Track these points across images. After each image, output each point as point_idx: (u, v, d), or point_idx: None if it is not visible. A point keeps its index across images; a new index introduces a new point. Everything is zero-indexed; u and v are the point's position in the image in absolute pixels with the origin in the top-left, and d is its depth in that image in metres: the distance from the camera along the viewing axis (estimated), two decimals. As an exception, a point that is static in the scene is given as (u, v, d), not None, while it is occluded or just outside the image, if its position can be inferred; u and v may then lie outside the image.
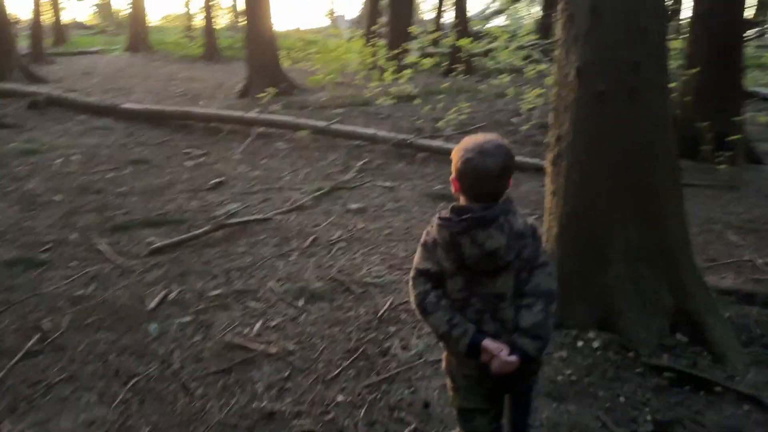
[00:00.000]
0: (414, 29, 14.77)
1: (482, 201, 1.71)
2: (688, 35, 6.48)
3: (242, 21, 32.13)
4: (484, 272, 1.72)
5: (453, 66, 13.18)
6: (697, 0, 6.28)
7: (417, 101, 8.79)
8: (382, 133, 6.70)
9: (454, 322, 1.73)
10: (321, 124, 6.98)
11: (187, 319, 3.24)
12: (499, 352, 1.68)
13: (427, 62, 10.61)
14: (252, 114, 7.67)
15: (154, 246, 4.11)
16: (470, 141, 1.74)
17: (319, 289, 3.54)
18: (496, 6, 28.91)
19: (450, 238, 1.70)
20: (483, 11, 29.61)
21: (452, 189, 1.78)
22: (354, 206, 4.94)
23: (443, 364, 1.93)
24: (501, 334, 1.72)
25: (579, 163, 2.84)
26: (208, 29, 17.80)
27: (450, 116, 7.39)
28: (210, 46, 17.68)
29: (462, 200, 1.76)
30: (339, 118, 7.66)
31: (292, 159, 6.44)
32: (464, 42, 10.75)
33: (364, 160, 6.22)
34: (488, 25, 24.89)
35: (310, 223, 4.59)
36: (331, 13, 36.46)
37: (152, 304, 3.36)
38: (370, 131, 6.76)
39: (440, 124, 7.43)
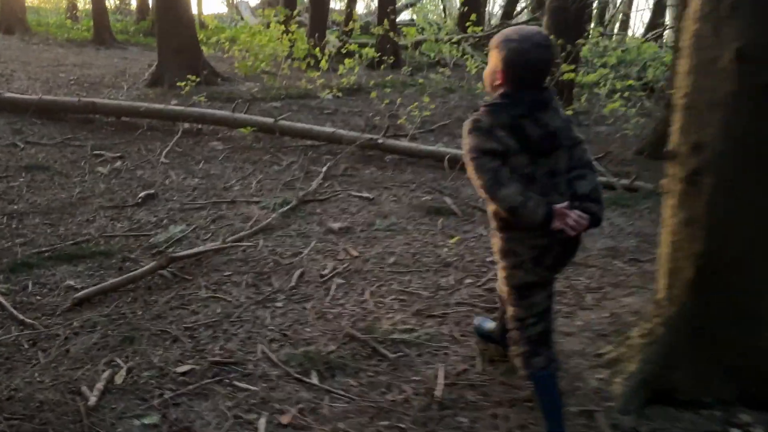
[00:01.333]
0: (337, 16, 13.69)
1: (530, 89, 1.85)
2: None
3: (127, 3, 29.37)
4: (541, 151, 1.87)
5: (382, 57, 12.34)
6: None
7: (373, 94, 7.80)
8: (345, 132, 5.69)
9: (528, 194, 1.80)
10: (267, 120, 5.84)
11: (153, 420, 2.13)
12: (572, 212, 1.81)
13: (369, 52, 9.63)
14: (177, 106, 6.36)
15: (78, 295, 2.91)
16: (515, 32, 1.86)
17: (334, 354, 2.54)
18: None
19: (511, 121, 1.83)
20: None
21: (494, 81, 1.89)
22: (336, 225, 3.93)
23: (499, 244, 1.99)
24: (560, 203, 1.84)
25: (733, 183, 2.06)
26: (99, 9, 15.68)
27: (413, 113, 6.50)
28: (101, 28, 15.55)
29: (501, 89, 1.87)
30: (287, 114, 6.54)
31: (236, 163, 5.29)
32: (411, 31, 9.84)
33: (326, 165, 5.19)
34: (400, 18, 24.38)
35: (288, 251, 3.54)
36: (231, -1, 34.26)
37: (92, 397, 2.21)
38: (329, 129, 5.73)
39: (402, 121, 6.53)
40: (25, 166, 4.80)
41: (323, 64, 8.57)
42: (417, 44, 14.25)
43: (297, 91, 8.16)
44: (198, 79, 7.66)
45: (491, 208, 1.96)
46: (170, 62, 8.13)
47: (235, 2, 33.39)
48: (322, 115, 7.17)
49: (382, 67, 11.71)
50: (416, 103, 6.72)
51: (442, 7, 25.86)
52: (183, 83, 7.29)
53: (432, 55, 13.44)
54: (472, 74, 9.87)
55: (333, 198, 4.51)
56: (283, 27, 12.01)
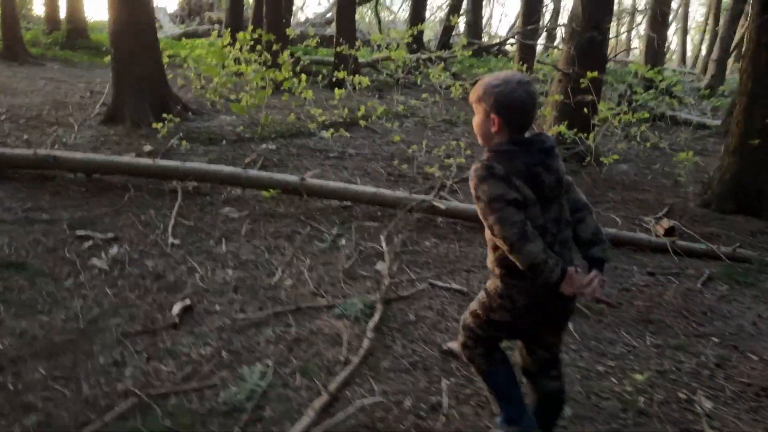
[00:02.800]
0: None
1: (524, 131, 1.92)
2: None
3: (29, 8, 26.57)
4: (551, 198, 1.91)
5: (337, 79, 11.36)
6: None
7: (396, 138, 6.73)
8: (390, 192, 4.72)
9: (549, 252, 1.83)
10: (291, 179, 4.76)
11: None
12: (586, 282, 1.88)
13: (364, 81, 8.59)
14: (170, 161, 5.10)
15: None
16: (495, 78, 1.91)
17: None
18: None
19: (527, 169, 1.86)
20: (323, 15, 27.99)
21: (489, 129, 1.92)
22: (453, 345, 2.98)
23: (498, 287, 2.01)
24: (565, 255, 1.93)
25: None
26: (9, 18, 13.60)
27: (446, 159, 5.63)
28: (12, 41, 13.52)
29: (499, 136, 1.91)
30: (317, 171, 5.47)
31: (267, 239, 4.19)
32: (399, 54, 8.90)
33: (381, 237, 4.22)
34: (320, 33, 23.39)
35: (420, 400, 2.57)
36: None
37: None
38: (369, 189, 4.74)
39: (432, 170, 5.63)
40: (-10, 265, 3.48)
41: (308, 94, 7.53)
42: (373, 63, 13.41)
43: (287, 127, 7.06)
44: (174, 118, 6.39)
45: (496, 255, 1.99)
46: (130, 94, 6.77)
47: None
48: (329, 161, 6.14)
49: (343, 89, 10.78)
50: (444, 147, 5.87)
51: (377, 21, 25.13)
52: (158, 124, 6.02)
53: (391, 73, 12.63)
54: (458, 98, 9.16)
55: (417, 294, 3.55)
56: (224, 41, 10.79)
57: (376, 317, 3.16)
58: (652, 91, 10.82)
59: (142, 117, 6.67)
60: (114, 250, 3.84)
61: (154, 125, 6.10)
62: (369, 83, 9.03)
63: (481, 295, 2.13)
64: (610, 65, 12.46)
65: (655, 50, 15.37)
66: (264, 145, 6.44)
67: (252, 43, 10.35)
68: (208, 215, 4.54)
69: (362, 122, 7.11)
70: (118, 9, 6.60)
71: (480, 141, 2.00)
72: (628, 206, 5.48)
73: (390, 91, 11.01)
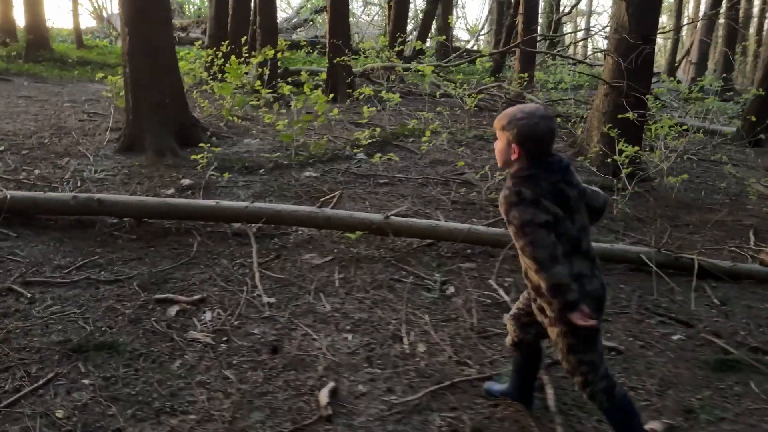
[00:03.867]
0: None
1: (544, 157, 2.08)
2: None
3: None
4: (575, 209, 2.10)
5: (336, 89, 10.87)
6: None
7: (461, 163, 6.20)
8: (483, 227, 4.31)
9: (573, 279, 2.01)
10: (373, 217, 4.28)
11: None
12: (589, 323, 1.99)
13: (395, 98, 8.09)
14: (238, 202, 4.53)
15: None
16: (519, 110, 2.09)
17: None
18: (306, 16, 26.77)
19: (551, 188, 2.04)
20: (290, 20, 27.29)
21: (509, 156, 2.10)
22: (658, 426, 2.60)
23: (553, 311, 2.12)
24: (592, 257, 2.15)
25: None
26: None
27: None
28: (-26, 55, 12.48)
29: (518, 163, 2.09)
30: (403, 208, 4.99)
31: (368, 292, 3.70)
32: (428, 70, 8.42)
33: (491, 283, 3.81)
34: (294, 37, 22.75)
35: None
36: (98, 11, 30.19)
37: None
38: (462, 226, 4.30)
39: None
40: (76, 349, 2.89)
41: (334, 112, 7.02)
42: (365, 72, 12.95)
43: (320, 150, 6.55)
44: (214, 149, 5.80)
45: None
46: (150, 119, 6.12)
47: (106, 15, 29.76)
48: (382, 188, 5.69)
49: (341, 101, 10.32)
50: (487, 167, 5.54)
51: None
52: (197, 155, 5.43)
53: (392, 84, 12.21)
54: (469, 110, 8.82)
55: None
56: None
57: (550, 393, 2.75)
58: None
59: (164, 145, 6.05)
60: (207, 316, 3.30)
61: (193, 156, 5.51)
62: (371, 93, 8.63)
63: (556, 331, 2.17)
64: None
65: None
66: (306, 173, 5.92)
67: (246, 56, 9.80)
68: (289, 263, 4.02)
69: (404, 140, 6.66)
70: (135, 26, 5.95)
71: (499, 163, 2.21)
72: (710, 230, 5.23)
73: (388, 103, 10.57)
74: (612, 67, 6.69)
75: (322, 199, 4.84)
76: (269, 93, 7.70)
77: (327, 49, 12.18)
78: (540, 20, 15.85)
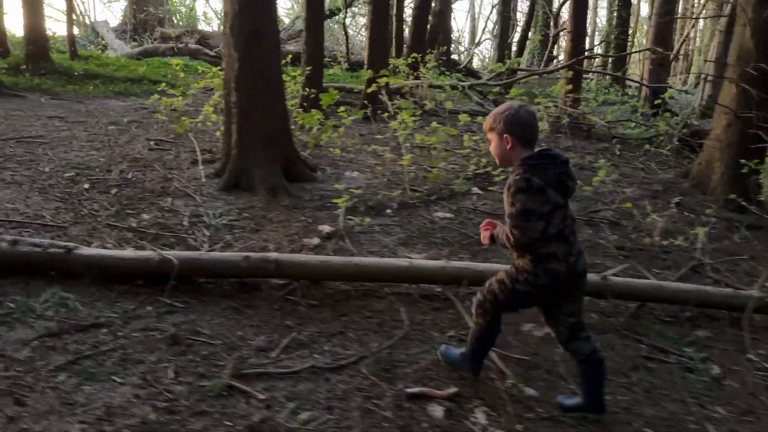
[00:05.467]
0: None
1: (532, 145, 2.43)
2: None
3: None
4: (568, 200, 2.41)
5: (375, 109, 10.29)
6: None
7: (628, 204, 5.59)
8: (712, 289, 3.85)
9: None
10: (593, 277, 3.77)
11: None
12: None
13: (463, 117, 7.52)
14: (441, 263, 3.92)
15: None
16: (501, 108, 2.48)
17: None
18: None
19: (555, 178, 2.33)
20: (286, 31, 26.58)
21: (505, 148, 2.43)
22: None
23: (521, 265, 2.53)
24: (577, 242, 2.49)
25: None
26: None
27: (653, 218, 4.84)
28: (-17, 68, 11.46)
29: (514, 152, 2.41)
30: (620, 267, 4.46)
31: (624, 375, 3.20)
32: (515, 94, 7.93)
33: (750, 356, 3.36)
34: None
35: None
36: (82, 17, 28.76)
37: None
38: (688, 287, 3.83)
39: (680, 241, 4.81)
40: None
41: (437, 136, 6.49)
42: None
43: (430, 183, 6.02)
44: (320, 184, 5.20)
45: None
46: (258, 154, 5.48)
47: (89, 22, 28.50)
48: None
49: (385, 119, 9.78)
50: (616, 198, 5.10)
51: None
52: (338, 199, 4.81)
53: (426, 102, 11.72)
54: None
55: None
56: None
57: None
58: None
59: (275, 183, 5.43)
60: (480, 418, 2.74)
61: (335, 201, 4.88)
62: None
63: (510, 268, 2.58)
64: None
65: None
66: (438, 213, 5.38)
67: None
68: (510, 335, 3.47)
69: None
70: (246, 51, 5.30)
71: (498, 162, 2.54)
72: None
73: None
74: (735, 95, 6.37)
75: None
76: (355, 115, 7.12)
77: (366, 65, 11.68)
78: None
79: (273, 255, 3.67)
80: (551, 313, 2.62)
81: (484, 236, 2.61)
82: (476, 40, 35.59)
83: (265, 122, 5.51)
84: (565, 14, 30.52)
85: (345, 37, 24.68)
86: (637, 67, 29.78)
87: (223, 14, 5.39)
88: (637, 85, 17.40)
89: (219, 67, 11.49)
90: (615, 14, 24.04)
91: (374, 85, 9.85)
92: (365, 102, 10.36)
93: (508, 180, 2.39)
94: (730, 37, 16.67)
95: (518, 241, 2.37)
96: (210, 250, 4.17)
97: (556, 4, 26.30)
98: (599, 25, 33.59)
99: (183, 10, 29.65)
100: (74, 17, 29.35)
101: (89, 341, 3.05)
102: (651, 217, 5.17)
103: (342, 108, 7.16)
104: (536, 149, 2.46)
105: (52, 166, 5.95)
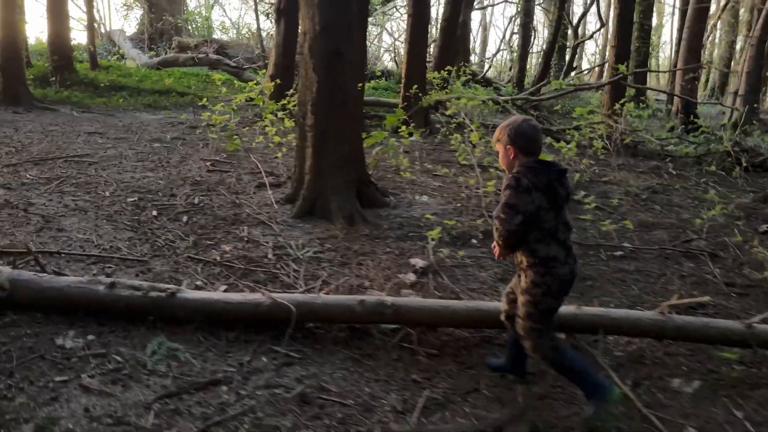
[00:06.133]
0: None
1: (536, 155, 2.66)
2: None
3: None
4: (561, 206, 2.63)
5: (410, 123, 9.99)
6: None
7: (737, 237, 5.34)
8: None
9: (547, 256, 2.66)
10: (735, 325, 3.47)
11: None
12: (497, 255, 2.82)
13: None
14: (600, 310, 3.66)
15: None
16: (506, 123, 2.73)
17: None
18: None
19: (546, 182, 2.57)
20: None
21: (509, 158, 2.68)
22: None
23: (527, 283, 2.71)
24: (570, 250, 2.68)
25: None
26: (10, 51, 11.23)
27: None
28: (13, 80, 11.23)
29: (518, 160, 2.65)
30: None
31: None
32: (596, 120, 7.62)
33: None
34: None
35: None
36: (97, 26, 28.54)
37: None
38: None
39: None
40: None
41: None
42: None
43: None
44: (393, 210, 4.91)
45: (527, 248, 2.66)
46: (334, 180, 5.20)
47: (105, 31, 28.34)
48: (621, 264, 4.89)
49: (421, 133, 9.51)
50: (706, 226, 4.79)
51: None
52: (432, 232, 4.51)
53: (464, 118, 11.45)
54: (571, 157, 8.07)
55: None
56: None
57: None
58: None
59: (352, 210, 5.15)
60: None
61: (429, 234, 4.59)
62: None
63: (522, 299, 2.72)
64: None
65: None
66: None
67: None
68: (654, 388, 3.17)
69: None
70: (328, 72, 5.03)
71: (506, 171, 2.73)
72: None
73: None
74: None
75: (671, 301, 3.95)
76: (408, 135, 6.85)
77: (404, 80, 11.42)
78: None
79: (389, 299, 3.38)
80: None
81: (497, 253, 2.77)
82: (493, 50, 35.46)
83: (342, 145, 5.23)
84: (585, 25, 30.31)
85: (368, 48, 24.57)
86: (654, 80, 29.57)
87: (301, 34, 5.03)
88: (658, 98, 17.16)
89: (254, 81, 11.30)
90: (636, 25, 23.85)
91: (421, 102, 9.63)
92: (406, 118, 10.15)
93: (503, 180, 2.67)
94: (762, 51, 16.48)
95: (500, 232, 2.61)
96: (308, 290, 3.89)
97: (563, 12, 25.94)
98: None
99: (198, 19, 29.45)
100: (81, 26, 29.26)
101: (213, 402, 2.75)
102: (756, 248, 4.88)
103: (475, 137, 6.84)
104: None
105: (111, 190, 5.68)
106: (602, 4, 28.68)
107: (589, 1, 26.00)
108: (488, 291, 4.18)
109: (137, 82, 15.58)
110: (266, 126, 7.18)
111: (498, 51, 28.28)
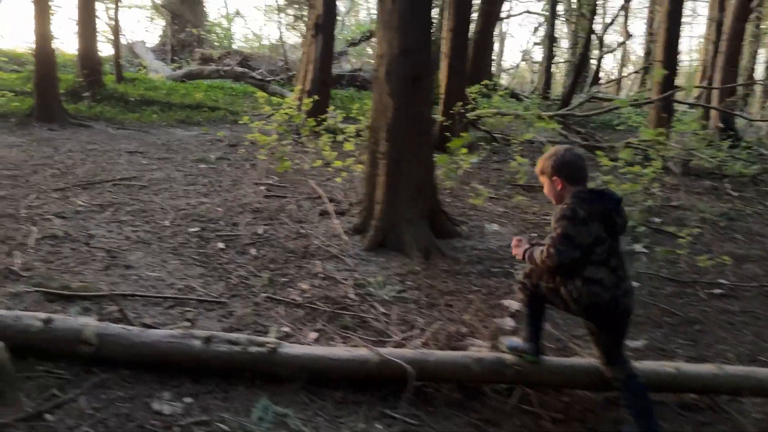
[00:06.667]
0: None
1: (583, 182, 2.66)
2: None
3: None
4: (616, 237, 2.63)
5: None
6: None
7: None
8: None
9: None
10: None
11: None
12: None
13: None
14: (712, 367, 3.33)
15: None
16: (547, 154, 2.75)
17: None
18: (343, 48, 25.61)
19: (604, 211, 2.57)
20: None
21: (557, 188, 2.68)
22: None
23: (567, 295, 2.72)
24: (623, 279, 2.63)
25: None
26: (45, 66, 11.04)
27: None
28: (48, 96, 11.03)
29: (565, 191, 2.66)
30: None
31: None
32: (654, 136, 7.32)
33: None
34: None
35: None
36: (119, 36, 28.45)
37: None
38: None
39: None
40: None
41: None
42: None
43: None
44: (466, 240, 4.59)
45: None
46: (408, 211, 4.90)
47: (128, 42, 28.34)
48: (724, 303, 4.54)
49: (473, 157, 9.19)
50: None
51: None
52: (457, 250, 4.19)
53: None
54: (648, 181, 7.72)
55: None
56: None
57: None
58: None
59: (428, 243, 4.85)
60: None
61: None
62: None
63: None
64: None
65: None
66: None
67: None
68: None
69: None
70: (406, 97, 4.74)
71: (554, 202, 2.75)
72: None
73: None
74: None
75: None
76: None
77: (444, 96, 11.12)
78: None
79: (509, 358, 3.06)
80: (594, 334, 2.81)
81: (516, 252, 2.77)
82: (509, 60, 35.23)
83: (416, 174, 4.93)
84: (608, 37, 29.98)
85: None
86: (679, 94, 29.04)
87: (378, 57, 4.76)
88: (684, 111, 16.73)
89: (291, 97, 11.07)
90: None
91: (465, 119, 9.34)
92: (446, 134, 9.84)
93: (557, 210, 2.65)
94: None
95: (552, 260, 2.56)
96: (405, 338, 3.58)
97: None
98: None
99: (219, 31, 29.41)
100: (111, 38, 29.35)
101: (338, 482, 2.44)
102: None
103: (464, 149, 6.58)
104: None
105: (170, 219, 5.41)
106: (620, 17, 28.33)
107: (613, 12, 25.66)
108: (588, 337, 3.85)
109: (165, 96, 15.42)
110: (323, 149, 6.89)
111: (521, 62, 27.95)
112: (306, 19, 21.27)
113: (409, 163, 4.90)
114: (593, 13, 19.42)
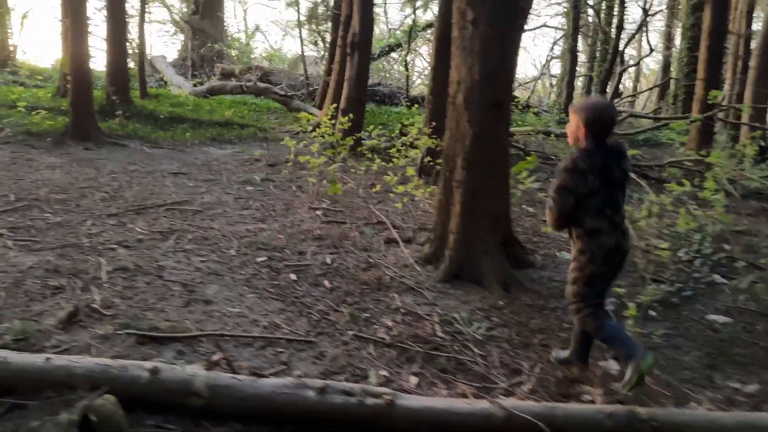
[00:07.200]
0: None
1: (604, 138, 2.94)
2: None
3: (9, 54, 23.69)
4: (617, 187, 2.96)
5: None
6: None
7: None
8: None
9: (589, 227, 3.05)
10: None
11: None
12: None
13: None
14: None
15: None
16: (588, 100, 3.08)
17: None
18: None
19: (603, 164, 2.89)
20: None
21: (579, 136, 2.98)
22: None
23: (576, 252, 3.21)
24: (618, 232, 3.01)
25: None
26: (82, 82, 10.97)
27: None
28: (84, 115, 10.96)
29: (585, 139, 2.96)
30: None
31: None
32: (719, 159, 7.12)
33: None
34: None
35: None
36: (144, 52, 28.54)
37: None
38: None
39: None
40: None
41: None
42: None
43: (672, 270, 5.22)
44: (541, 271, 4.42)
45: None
46: (485, 241, 4.73)
47: (149, 57, 28.46)
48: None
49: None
50: None
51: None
52: (630, 311, 4.00)
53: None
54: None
55: None
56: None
57: None
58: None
59: (506, 275, 4.68)
60: None
61: (628, 312, 4.08)
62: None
63: (571, 266, 3.17)
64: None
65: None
66: (712, 316, 4.58)
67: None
68: None
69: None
70: (479, 124, 4.60)
71: (570, 141, 3.07)
72: None
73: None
74: None
75: None
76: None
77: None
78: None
79: (643, 411, 2.88)
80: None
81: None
82: (525, 74, 35.09)
83: (493, 202, 4.79)
84: (630, 50, 29.81)
85: (405, 74, 24.29)
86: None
87: (454, 83, 4.62)
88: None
89: (323, 116, 10.95)
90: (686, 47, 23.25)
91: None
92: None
93: (563, 158, 2.98)
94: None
95: (553, 212, 2.98)
96: (513, 385, 3.40)
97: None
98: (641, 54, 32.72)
99: (239, 46, 29.49)
100: (130, 51, 29.44)
101: None
102: None
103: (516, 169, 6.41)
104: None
105: (234, 247, 5.27)
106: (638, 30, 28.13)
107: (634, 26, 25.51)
108: (702, 381, 3.67)
109: (192, 113, 15.36)
110: (373, 169, 6.75)
111: (540, 76, 27.83)
112: (328, 34, 21.34)
113: (487, 194, 4.75)
114: (620, 28, 19.30)
